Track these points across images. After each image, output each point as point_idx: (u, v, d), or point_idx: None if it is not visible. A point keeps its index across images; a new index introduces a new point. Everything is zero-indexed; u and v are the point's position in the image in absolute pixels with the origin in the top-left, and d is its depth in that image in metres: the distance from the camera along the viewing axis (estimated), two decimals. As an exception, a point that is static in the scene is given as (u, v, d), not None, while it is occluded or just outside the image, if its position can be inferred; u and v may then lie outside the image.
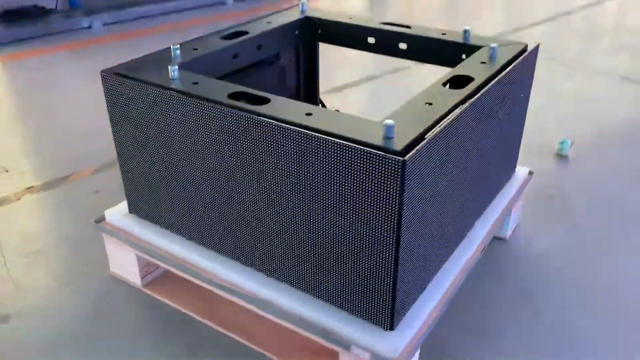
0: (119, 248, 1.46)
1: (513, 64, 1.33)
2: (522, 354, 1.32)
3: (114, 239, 1.45)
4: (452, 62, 1.50)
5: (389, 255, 1.02)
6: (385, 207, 0.98)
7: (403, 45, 1.57)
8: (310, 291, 1.19)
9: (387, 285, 1.05)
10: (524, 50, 1.43)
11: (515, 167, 1.64)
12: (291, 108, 1.11)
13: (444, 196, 1.14)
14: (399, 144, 0.97)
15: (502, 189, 1.57)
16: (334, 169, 1.02)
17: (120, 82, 1.26)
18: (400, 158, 0.93)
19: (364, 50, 1.64)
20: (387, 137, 0.99)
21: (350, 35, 1.65)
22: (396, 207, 0.97)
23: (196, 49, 1.41)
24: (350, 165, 0.99)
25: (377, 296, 1.08)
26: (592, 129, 2.37)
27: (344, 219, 1.05)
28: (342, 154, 0.99)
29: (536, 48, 1.45)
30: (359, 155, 0.97)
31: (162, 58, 1.35)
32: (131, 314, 1.43)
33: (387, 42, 1.59)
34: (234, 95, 1.17)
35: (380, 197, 0.98)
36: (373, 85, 2.84)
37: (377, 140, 0.98)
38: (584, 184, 1.98)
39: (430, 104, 1.12)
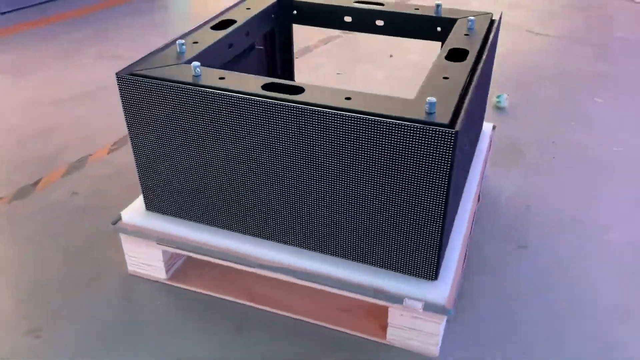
0: (140, 245, 1.47)
1: (491, 34, 1.50)
2: (514, 284, 1.54)
3: (132, 237, 1.46)
4: (427, 34, 1.65)
5: (439, 216, 1.17)
6: (438, 175, 1.12)
7: (380, 22, 1.69)
8: (360, 258, 1.31)
9: (434, 243, 1.20)
10: (493, 21, 1.61)
11: (483, 122, 1.85)
12: (328, 94, 1.20)
13: (462, 157, 1.30)
14: (445, 118, 1.10)
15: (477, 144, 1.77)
16: (385, 147, 1.13)
17: (139, 83, 1.26)
18: (452, 130, 1.07)
19: (341, 29, 1.74)
20: (430, 113, 1.12)
21: (326, 15, 1.74)
22: (447, 174, 1.11)
23: (197, 42, 1.43)
24: (402, 141, 1.11)
25: (425, 252, 1.23)
26: (518, 80, 2.66)
27: (397, 190, 1.17)
28: (394, 132, 1.11)
29: (500, 17, 1.64)
30: (411, 131, 1.09)
31: (169, 54, 1.36)
32: (166, 306, 1.46)
33: (364, 20, 1.70)
34: (267, 87, 1.23)
35: (434, 166, 1.11)
36: (312, 57, 2.94)
37: (423, 115, 1.11)
38: (527, 131, 2.25)
39: (447, 77, 1.26)
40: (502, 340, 1.37)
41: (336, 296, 1.40)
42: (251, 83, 1.24)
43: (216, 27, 1.54)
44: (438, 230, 1.18)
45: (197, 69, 1.26)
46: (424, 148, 1.10)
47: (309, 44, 3.07)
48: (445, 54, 1.37)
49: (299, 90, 1.22)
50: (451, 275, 1.29)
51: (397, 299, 1.26)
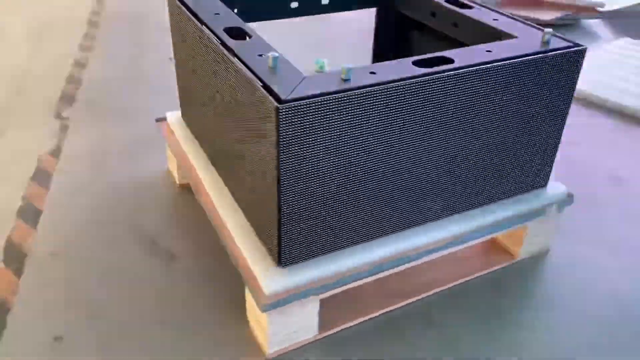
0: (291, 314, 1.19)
1: None
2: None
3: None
4: (371, 2, 1.74)
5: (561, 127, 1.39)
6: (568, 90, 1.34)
7: (325, 1, 1.67)
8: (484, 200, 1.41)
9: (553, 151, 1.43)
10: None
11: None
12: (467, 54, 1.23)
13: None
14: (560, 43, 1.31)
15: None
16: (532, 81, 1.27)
17: (298, 109, 1.02)
18: (581, 47, 1.29)
19: (288, 18, 1.63)
20: (547, 42, 1.30)
21: (270, 6, 1.60)
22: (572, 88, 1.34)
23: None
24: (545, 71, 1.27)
25: (542, 164, 1.44)
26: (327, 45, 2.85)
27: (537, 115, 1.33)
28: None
29: None
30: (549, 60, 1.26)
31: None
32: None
33: (309, 1, 1.64)
34: (417, 63, 1.18)
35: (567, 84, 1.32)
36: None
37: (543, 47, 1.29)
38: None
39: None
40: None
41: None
42: (401, 65, 1.16)
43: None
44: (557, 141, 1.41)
45: (349, 73, 1.09)
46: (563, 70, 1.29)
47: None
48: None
49: (448, 60, 1.21)
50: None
51: (538, 212, 1.45)
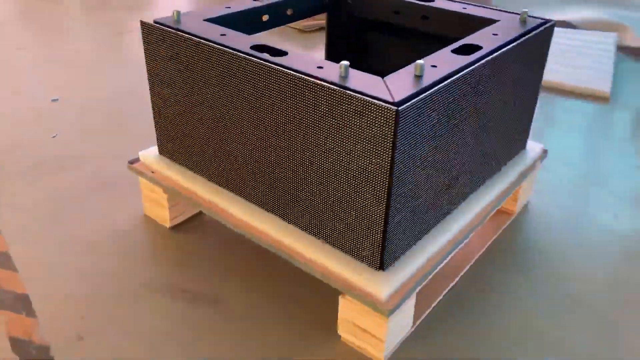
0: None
1: None
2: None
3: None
4: (322, 9, 1.77)
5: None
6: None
7: (289, 12, 1.65)
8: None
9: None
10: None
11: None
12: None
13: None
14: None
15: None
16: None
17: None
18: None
19: (263, 31, 1.59)
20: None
21: (247, 22, 1.53)
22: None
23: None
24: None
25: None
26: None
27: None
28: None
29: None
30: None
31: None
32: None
33: (277, 14, 1.62)
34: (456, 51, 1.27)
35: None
36: None
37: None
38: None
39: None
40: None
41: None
42: (446, 56, 1.24)
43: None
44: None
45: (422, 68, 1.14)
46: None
47: None
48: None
49: (477, 47, 1.31)
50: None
51: (533, 168, 1.64)
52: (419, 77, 1.15)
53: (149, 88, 1.51)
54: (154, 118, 1.54)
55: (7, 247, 1.55)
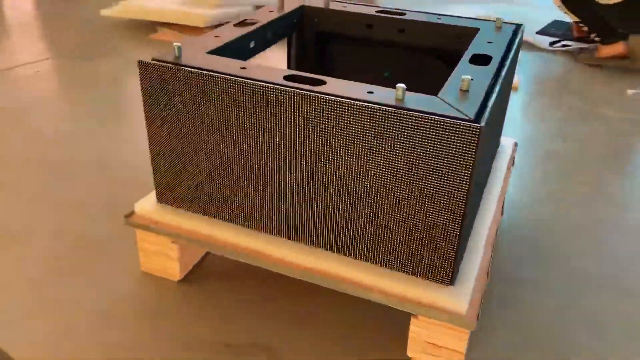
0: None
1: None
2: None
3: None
4: (291, 29, 1.72)
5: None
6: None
7: (269, 36, 1.58)
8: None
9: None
10: None
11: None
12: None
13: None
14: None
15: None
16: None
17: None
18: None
19: (251, 57, 1.50)
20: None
21: (238, 50, 1.44)
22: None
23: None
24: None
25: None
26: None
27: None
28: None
29: None
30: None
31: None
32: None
33: (261, 39, 1.54)
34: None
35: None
36: None
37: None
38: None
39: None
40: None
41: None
42: (468, 68, 1.28)
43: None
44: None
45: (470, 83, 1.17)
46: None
47: None
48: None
49: (488, 57, 1.36)
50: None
51: (512, 162, 1.76)
52: (465, 91, 1.17)
53: (147, 134, 1.36)
54: (153, 165, 1.39)
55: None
